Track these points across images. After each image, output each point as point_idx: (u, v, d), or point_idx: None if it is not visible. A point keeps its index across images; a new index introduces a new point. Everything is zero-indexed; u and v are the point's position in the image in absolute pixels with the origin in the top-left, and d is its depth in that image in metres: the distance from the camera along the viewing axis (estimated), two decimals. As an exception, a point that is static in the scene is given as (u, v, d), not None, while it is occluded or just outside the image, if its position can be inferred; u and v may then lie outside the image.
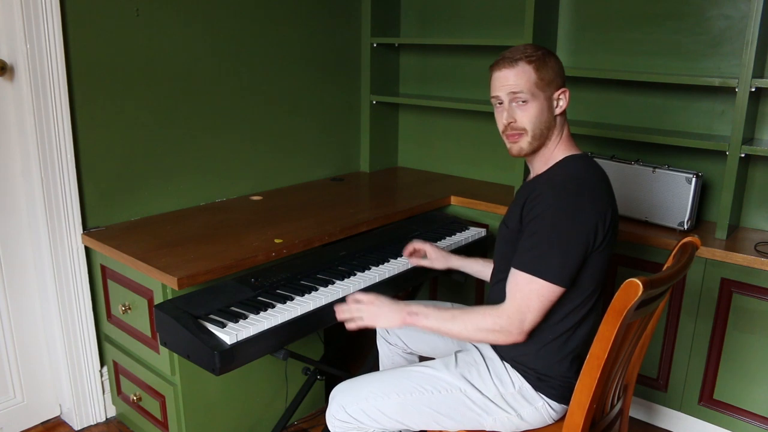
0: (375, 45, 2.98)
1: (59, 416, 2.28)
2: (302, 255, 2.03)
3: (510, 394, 1.49)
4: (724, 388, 2.12)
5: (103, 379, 2.26)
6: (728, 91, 2.22)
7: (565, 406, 1.50)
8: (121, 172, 2.20)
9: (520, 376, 1.49)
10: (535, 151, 1.50)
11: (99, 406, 2.26)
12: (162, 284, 1.80)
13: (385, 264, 2.04)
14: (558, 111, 1.48)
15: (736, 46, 2.20)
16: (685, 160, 2.35)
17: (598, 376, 1.25)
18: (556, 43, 2.61)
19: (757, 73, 2.05)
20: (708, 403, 2.16)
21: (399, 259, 2.08)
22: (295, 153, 2.81)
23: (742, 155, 2.08)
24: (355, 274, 1.95)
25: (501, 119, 1.49)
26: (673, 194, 2.20)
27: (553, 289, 1.37)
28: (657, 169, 2.24)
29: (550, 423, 1.51)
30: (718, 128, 2.31)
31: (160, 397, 1.97)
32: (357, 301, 1.56)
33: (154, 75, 2.23)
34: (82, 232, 2.10)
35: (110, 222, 2.19)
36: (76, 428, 2.22)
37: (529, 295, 1.38)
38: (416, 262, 1.98)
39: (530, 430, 1.52)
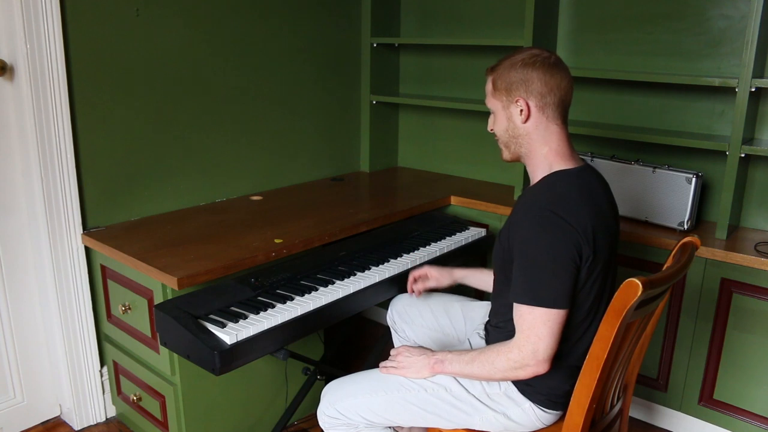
0: (375, 45, 2.98)
1: (59, 416, 2.28)
2: (302, 255, 2.03)
3: (496, 394, 1.49)
4: (724, 388, 2.12)
5: (103, 379, 2.26)
6: (728, 91, 2.22)
7: (557, 412, 1.50)
8: (121, 172, 2.20)
9: None
10: (516, 159, 1.52)
11: (99, 406, 2.26)
12: (162, 284, 1.80)
13: (385, 264, 2.04)
14: (520, 120, 1.44)
15: (736, 46, 2.20)
16: (685, 160, 2.35)
17: (598, 376, 1.25)
18: (556, 44, 2.61)
19: (757, 73, 2.05)
20: (708, 403, 2.16)
21: (399, 259, 2.08)
22: (295, 153, 2.81)
23: (742, 155, 2.08)
24: (355, 274, 1.95)
25: None
26: (673, 194, 2.20)
27: (555, 313, 1.34)
28: (657, 169, 2.24)
29: (542, 427, 1.51)
30: (718, 128, 2.31)
31: (160, 397, 1.97)
32: (396, 353, 1.58)
33: (154, 75, 2.23)
34: (82, 232, 2.10)
35: (110, 222, 2.19)
36: (76, 428, 2.22)
37: (533, 324, 1.35)
38: (422, 288, 1.92)
39: None
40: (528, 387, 1.47)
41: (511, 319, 1.42)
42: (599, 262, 1.39)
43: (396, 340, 2.00)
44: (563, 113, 1.45)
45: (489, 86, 1.49)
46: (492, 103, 1.50)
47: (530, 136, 1.45)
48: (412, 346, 1.58)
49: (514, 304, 1.39)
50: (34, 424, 2.23)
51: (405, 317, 1.94)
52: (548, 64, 1.42)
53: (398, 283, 2.01)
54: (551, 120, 1.44)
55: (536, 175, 1.49)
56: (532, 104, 1.43)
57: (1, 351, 2.11)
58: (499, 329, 1.55)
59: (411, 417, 1.54)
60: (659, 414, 2.30)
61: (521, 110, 1.43)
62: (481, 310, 1.85)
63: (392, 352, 1.60)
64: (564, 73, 1.43)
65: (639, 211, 2.29)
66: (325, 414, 1.58)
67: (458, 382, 1.51)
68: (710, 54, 2.28)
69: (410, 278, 1.94)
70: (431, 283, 1.92)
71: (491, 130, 1.54)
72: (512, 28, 2.70)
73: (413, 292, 1.93)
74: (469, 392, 1.50)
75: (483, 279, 1.86)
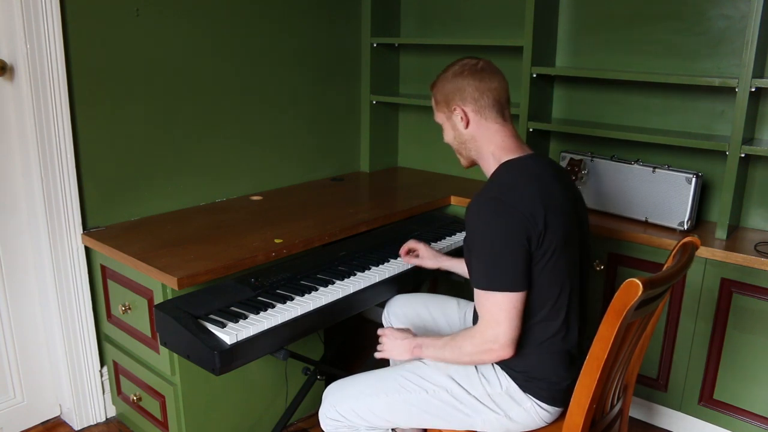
0: (375, 45, 2.98)
1: (59, 416, 2.28)
2: (302, 255, 2.03)
3: (497, 394, 1.49)
4: (724, 388, 2.12)
5: (103, 379, 2.26)
6: (728, 91, 2.22)
7: (557, 408, 1.50)
8: (121, 172, 2.20)
9: (507, 376, 1.50)
10: (472, 163, 1.62)
11: (99, 406, 2.26)
12: (162, 284, 1.80)
13: (385, 264, 2.04)
14: (462, 127, 1.55)
15: (736, 46, 2.20)
16: (685, 160, 2.35)
17: (598, 376, 1.25)
18: (556, 43, 2.61)
19: (757, 73, 2.05)
20: (708, 403, 2.16)
21: (399, 259, 2.08)
22: (295, 153, 2.82)
23: (742, 155, 2.08)
24: (355, 274, 1.95)
25: None
26: (673, 194, 2.21)
27: (510, 297, 1.38)
28: (657, 169, 2.24)
29: (543, 425, 1.51)
30: (718, 128, 2.31)
31: (160, 397, 1.97)
32: (382, 333, 1.65)
33: (154, 75, 2.23)
34: (82, 232, 2.10)
35: (110, 222, 2.19)
36: (76, 428, 2.22)
37: (491, 309, 1.40)
38: (408, 260, 2.02)
39: None
40: (530, 383, 1.48)
41: None
42: (553, 242, 1.41)
43: None
44: (501, 111, 1.54)
45: (432, 102, 1.62)
46: (438, 116, 1.62)
47: (475, 139, 1.55)
48: (397, 329, 1.63)
49: (475, 291, 1.44)
50: (34, 424, 2.23)
51: (402, 318, 1.94)
52: (476, 70, 1.52)
53: (398, 283, 2.01)
54: (490, 120, 1.53)
55: (488, 171, 1.56)
56: (468, 110, 1.53)
57: (1, 351, 2.11)
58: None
59: (411, 418, 1.54)
60: (659, 414, 2.30)
61: (461, 117, 1.54)
62: None
63: (379, 331, 1.66)
64: (493, 75, 1.53)
65: (639, 211, 2.29)
66: (326, 416, 1.59)
67: (458, 384, 1.51)
68: (710, 54, 2.28)
69: (406, 247, 2.02)
70: (416, 261, 2.00)
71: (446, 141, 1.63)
72: (512, 28, 2.70)
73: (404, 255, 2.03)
74: (470, 393, 1.50)
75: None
